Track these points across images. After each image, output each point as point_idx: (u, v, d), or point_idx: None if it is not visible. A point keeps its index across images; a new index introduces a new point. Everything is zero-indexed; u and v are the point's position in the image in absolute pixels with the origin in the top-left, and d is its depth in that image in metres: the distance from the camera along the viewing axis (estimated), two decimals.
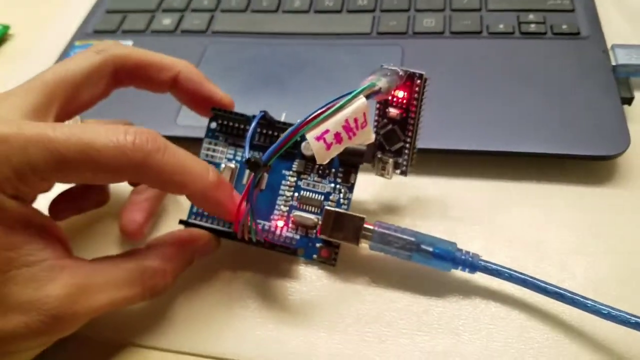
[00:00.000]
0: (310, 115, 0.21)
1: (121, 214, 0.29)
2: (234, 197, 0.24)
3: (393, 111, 0.25)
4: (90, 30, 0.42)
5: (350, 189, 0.26)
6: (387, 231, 0.25)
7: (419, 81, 0.24)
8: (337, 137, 0.22)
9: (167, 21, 0.41)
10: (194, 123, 0.31)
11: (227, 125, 0.28)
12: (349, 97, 0.21)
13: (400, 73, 0.24)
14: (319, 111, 0.21)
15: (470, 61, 0.34)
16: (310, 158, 0.27)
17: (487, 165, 0.30)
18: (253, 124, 0.25)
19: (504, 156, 0.29)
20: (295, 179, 0.27)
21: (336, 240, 0.25)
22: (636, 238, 0.27)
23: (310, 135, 0.21)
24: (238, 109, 0.28)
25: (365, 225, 0.25)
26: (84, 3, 0.45)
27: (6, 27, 0.46)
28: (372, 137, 0.24)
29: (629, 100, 0.31)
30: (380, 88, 0.23)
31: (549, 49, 0.34)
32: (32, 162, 0.19)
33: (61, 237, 0.22)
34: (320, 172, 0.27)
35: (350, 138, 0.22)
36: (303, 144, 0.27)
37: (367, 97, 0.22)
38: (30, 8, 0.49)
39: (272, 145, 0.22)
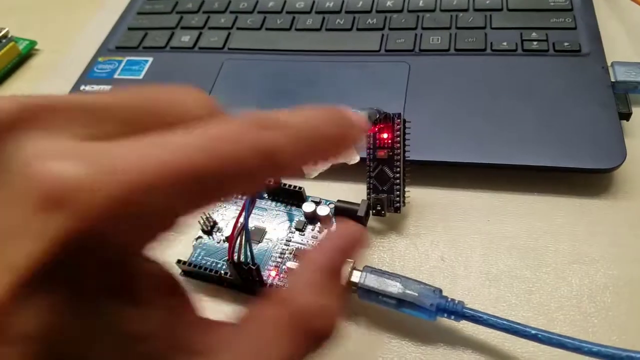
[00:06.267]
0: None
1: None
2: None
3: (380, 152, 0.28)
4: (112, 47, 0.44)
5: None
6: (371, 284, 0.25)
7: (398, 120, 0.27)
8: None
9: (185, 38, 0.43)
10: None
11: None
12: None
13: (381, 111, 0.27)
14: None
15: (474, 77, 0.35)
16: (310, 216, 0.29)
17: (489, 178, 0.32)
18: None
19: (505, 169, 0.31)
20: (293, 234, 0.29)
21: None
22: (630, 247, 0.28)
23: None
24: None
25: (353, 271, 0.25)
26: (107, 21, 0.47)
27: (33, 43, 0.48)
28: (357, 157, 0.26)
29: (626, 116, 0.32)
30: None
31: (551, 66, 0.35)
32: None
33: None
34: (318, 230, 0.29)
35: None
36: (304, 204, 0.29)
37: None
38: (56, 25, 0.52)
39: None
